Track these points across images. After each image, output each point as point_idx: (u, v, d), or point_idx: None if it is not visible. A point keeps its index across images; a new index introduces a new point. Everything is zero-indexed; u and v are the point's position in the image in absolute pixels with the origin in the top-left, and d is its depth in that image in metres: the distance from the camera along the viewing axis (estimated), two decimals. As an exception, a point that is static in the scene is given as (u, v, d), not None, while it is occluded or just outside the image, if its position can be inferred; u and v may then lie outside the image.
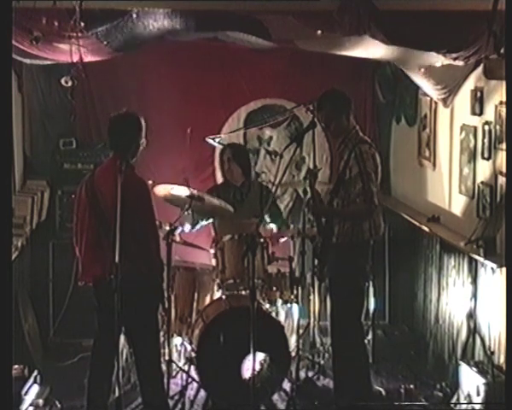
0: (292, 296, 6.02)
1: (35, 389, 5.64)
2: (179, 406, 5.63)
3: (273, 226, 6.46)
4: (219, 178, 7.41)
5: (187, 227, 6.28)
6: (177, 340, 6.06)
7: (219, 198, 6.21)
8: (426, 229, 6.53)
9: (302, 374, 6.11)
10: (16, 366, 5.54)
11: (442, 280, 6.39)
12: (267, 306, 6.00)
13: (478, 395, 5.21)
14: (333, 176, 5.68)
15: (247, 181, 6.63)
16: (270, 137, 7.56)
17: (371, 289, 6.28)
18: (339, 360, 5.57)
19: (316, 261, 5.72)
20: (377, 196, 5.38)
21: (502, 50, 4.91)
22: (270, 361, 5.65)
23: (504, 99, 5.08)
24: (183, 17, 5.20)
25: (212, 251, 6.10)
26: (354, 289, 5.49)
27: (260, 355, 5.54)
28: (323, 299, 5.76)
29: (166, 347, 5.70)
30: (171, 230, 5.80)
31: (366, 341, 5.95)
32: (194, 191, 5.95)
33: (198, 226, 6.45)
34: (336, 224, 5.46)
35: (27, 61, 5.94)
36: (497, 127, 5.42)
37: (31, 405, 5.48)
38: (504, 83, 4.95)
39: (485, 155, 5.62)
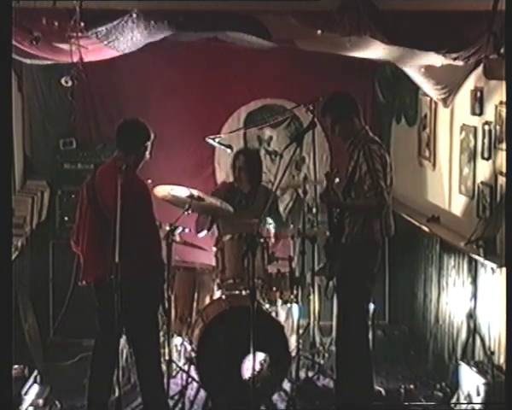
0: (292, 296, 6.02)
1: (35, 389, 5.64)
2: (179, 406, 5.63)
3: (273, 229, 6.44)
4: (219, 179, 7.41)
5: (203, 233, 6.33)
6: (177, 340, 6.06)
7: (222, 200, 6.21)
8: (426, 229, 6.53)
9: (302, 374, 6.11)
10: (16, 366, 5.54)
11: (442, 280, 6.39)
12: (267, 306, 6.00)
13: (478, 395, 5.22)
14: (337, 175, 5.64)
15: (255, 188, 6.62)
16: (270, 137, 7.56)
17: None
18: (342, 359, 5.57)
19: (325, 259, 5.70)
20: (387, 192, 5.37)
21: (502, 50, 4.92)
22: (270, 361, 5.65)
23: (504, 99, 5.08)
24: (183, 17, 5.20)
25: (215, 250, 6.11)
26: (360, 290, 5.50)
27: (260, 355, 5.54)
28: (330, 298, 5.75)
29: (166, 347, 5.70)
30: (171, 230, 5.80)
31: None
32: (194, 191, 5.95)
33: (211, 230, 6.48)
34: (347, 224, 5.45)
35: (27, 61, 5.93)
36: (497, 127, 5.42)
37: (31, 405, 5.48)
38: (504, 83, 4.96)
39: (485, 155, 5.62)
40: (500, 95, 5.35)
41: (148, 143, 5.23)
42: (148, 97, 7.16)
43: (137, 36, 5.31)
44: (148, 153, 5.24)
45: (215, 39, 6.43)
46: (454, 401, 5.58)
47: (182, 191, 5.95)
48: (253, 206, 6.54)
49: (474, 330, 5.70)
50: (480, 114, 5.72)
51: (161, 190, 5.96)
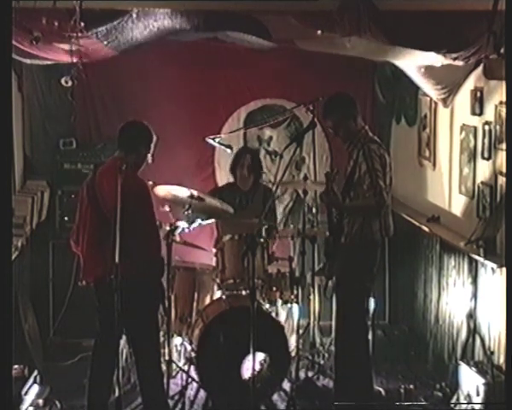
0: (292, 296, 6.02)
1: (35, 389, 5.64)
2: (179, 406, 5.63)
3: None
4: (219, 179, 7.41)
5: (183, 224, 6.18)
6: (177, 340, 6.06)
7: (222, 200, 6.19)
8: (426, 229, 6.53)
9: (302, 374, 6.11)
10: (16, 366, 5.54)
11: (442, 280, 6.40)
12: (267, 306, 6.00)
13: (478, 395, 5.22)
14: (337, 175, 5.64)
15: (255, 187, 6.61)
16: (270, 137, 7.56)
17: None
18: (341, 359, 5.57)
19: (324, 259, 5.70)
20: (386, 192, 5.36)
21: (502, 50, 4.92)
22: (270, 361, 5.65)
23: (504, 99, 5.07)
24: (183, 17, 5.20)
25: (215, 251, 6.11)
26: (360, 290, 5.49)
27: (260, 355, 5.54)
28: (329, 298, 5.75)
29: (166, 347, 5.70)
30: (171, 230, 5.80)
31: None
32: (195, 192, 5.95)
33: (196, 224, 6.32)
34: (346, 224, 5.45)
35: (27, 61, 5.93)
36: (497, 127, 5.42)
37: (31, 405, 5.48)
38: (504, 83, 4.95)
39: (485, 155, 5.62)
40: (500, 95, 5.35)
41: (151, 146, 5.23)
42: (148, 97, 7.15)
43: (137, 36, 5.32)
44: (150, 155, 5.23)
45: (215, 39, 6.43)
46: (454, 401, 5.58)
47: (182, 191, 5.95)
48: (252, 204, 6.53)
49: (474, 330, 5.70)
50: (480, 114, 5.72)
51: (162, 190, 5.96)
